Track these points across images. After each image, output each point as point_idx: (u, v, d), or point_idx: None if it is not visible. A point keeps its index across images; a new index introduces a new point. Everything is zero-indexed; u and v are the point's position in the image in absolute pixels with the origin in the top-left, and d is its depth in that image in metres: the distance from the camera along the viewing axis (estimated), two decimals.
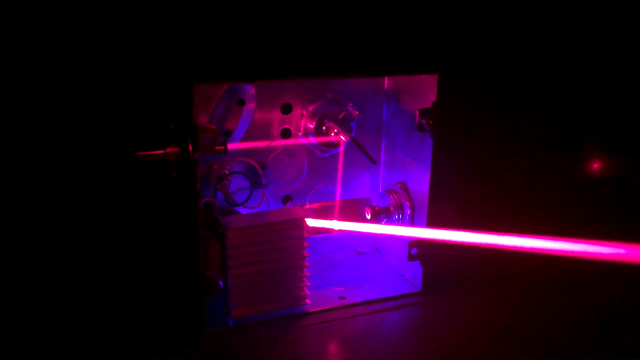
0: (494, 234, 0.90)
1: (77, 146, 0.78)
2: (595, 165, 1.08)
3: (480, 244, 0.91)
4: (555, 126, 1.02)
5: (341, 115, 0.97)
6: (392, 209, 0.99)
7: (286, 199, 1.04)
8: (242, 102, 0.93)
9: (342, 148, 1.01)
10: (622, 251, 0.85)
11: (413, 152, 0.96)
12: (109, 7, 0.74)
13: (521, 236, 0.90)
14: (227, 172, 0.94)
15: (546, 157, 1.03)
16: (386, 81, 1.03)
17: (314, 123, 0.97)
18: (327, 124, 0.98)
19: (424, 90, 0.90)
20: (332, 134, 0.98)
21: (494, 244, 0.90)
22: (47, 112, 0.76)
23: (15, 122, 0.75)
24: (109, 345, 0.80)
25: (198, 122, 0.78)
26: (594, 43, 1.00)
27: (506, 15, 0.92)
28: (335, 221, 1.01)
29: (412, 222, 0.96)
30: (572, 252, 0.88)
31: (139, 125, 0.77)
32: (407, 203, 0.97)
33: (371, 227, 0.99)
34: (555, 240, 0.89)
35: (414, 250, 0.95)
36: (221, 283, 0.83)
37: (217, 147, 0.80)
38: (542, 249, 0.89)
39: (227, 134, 0.94)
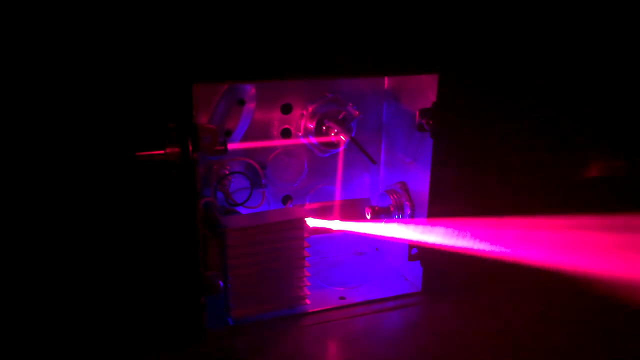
0: (494, 233, 0.90)
1: (77, 146, 0.78)
2: (596, 165, 1.08)
3: (480, 243, 0.91)
4: (555, 126, 1.02)
5: (341, 115, 0.97)
6: (392, 209, 0.99)
7: (286, 199, 1.04)
8: (242, 102, 0.93)
9: (342, 148, 1.01)
10: (623, 249, 0.85)
11: (413, 152, 0.96)
12: (108, 8, 0.74)
13: (521, 236, 0.90)
14: (227, 172, 0.94)
15: (546, 157, 1.03)
16: (386, 81, 1.03)
17: (314, 123, 0.97)
18: (327, 124, 0.97)
19: (424, 90, 0.90)
20: (332, 134, 0.98)
21: (494, 244, 0.90)
22: (47, 113, 0.76)
23: (16, 123, 0.75)
24: (109, 345, 0.80)
25: (198, 122, 0.78)
26: (593, 43, 1.00)
27: (506, 16, 0.92)
28: (335, 221, 1.01)
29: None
30: (573, 252, 0.88)
31: (139, 126, 0.77)
32: (407, 203, 0.97)
33: (371, 227, 0.99)
34: (555, 240, 0.89)
35: (414, 250, 0.95)
36: (221, 283, 0.83)
37: (217, 147, 0.80)
38: (542, 249, 0.89)
39: (227, 134, 0.94)
